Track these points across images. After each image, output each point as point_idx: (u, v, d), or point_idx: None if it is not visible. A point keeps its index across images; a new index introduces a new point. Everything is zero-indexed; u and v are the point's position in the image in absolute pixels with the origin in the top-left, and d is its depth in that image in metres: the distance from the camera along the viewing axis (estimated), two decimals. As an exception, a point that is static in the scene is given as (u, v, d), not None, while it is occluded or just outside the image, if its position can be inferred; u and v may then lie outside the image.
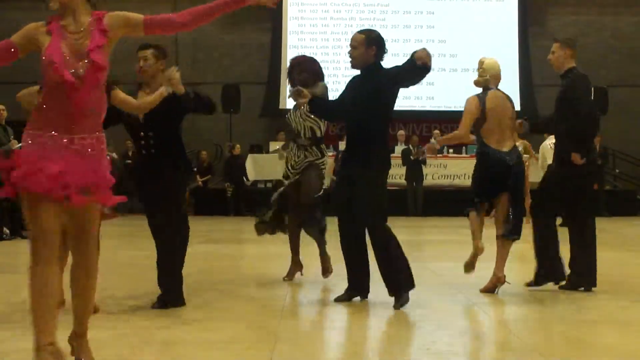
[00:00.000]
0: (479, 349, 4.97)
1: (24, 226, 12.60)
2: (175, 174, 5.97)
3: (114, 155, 17.54)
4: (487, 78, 6.76)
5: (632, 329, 5.47)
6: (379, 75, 5.99)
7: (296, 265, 7.39)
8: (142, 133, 5.86)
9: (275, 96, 20.68)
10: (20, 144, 12.38)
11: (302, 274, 7.37)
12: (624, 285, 7.21)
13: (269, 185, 19.16)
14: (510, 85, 19.61)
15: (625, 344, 4.95)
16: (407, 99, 18.37)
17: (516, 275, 7.46)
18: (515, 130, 7.04)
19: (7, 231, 12.23)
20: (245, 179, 18.37)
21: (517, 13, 21.30)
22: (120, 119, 5.83)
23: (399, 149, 18.10)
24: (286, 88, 21.18)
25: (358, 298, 6.18)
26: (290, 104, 20.74)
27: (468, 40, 20.53)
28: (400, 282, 5.92)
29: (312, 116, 6.86)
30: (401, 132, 18.93)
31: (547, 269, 7.18)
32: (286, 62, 21.38)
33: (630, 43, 21.25)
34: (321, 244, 7.16)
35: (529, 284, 7.05)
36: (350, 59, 6.13)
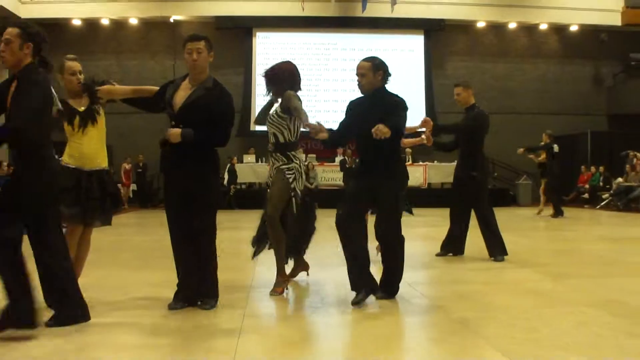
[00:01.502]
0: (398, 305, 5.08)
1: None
2: (203, 168, 4.54)
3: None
4: None
5: (506, 288, 5.66)
6: (386, 98, 4.93)
7: (299, 265, 5.74)
8: (172, 122, 4.55)
9: (247, 121, 20.55)
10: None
11: (307, 274, 5.83)
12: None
13: (244, 186, 19.24)
14: (418, 111, 19.93)
15: (505, 300, 5.12)
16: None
17: (428, 248, 7.62)
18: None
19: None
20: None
21: (423, 60, 21.60)
22: (161, 106, 4.71)
23: (337, 159, 18.22)
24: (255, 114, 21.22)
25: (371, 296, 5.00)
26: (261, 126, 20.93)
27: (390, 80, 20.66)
28: (398, 280, 5.02)
29: (276, 122, 5.31)
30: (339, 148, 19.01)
31: (452, 243, 7.39)
32: (255, 97, 21.63)
33: (503, 83, 21.72)
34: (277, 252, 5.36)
35: (437, 254, 7.28)
36: (359, 86, 4.95)
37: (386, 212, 4.91)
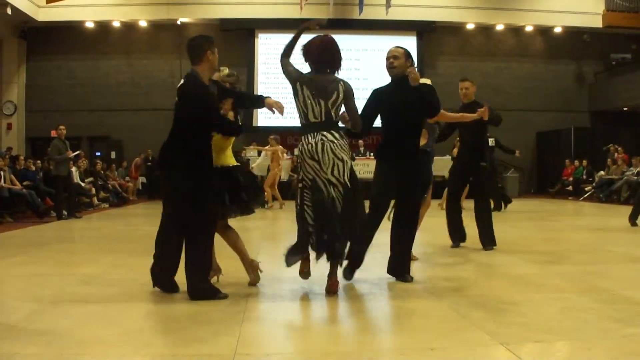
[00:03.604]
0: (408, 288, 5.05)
1: (75, 209, 12.46)
2: (169, 171, 4.47)
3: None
4: None
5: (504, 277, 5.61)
6: (409, 84, 4.98)
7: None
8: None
9: (250, 117, 20.56)
10: (75, 152, 11.98)
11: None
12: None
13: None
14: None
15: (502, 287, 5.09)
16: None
17: (421, 238, 7.56)
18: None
19: (65, 212, 12.03)
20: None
21: (416, 60, 21.36)
22: None
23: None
24: (258, 111, 21.20)
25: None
26: (261, 122, 20.83)
27: (384, 78, 20.57)
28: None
29: None
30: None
31: (456, 232, 7.28)
32: (257, 93, 21.47)
33: (492, 81, 21.62)
34: None
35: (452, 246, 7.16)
36: (392, 68, 5.09)
37: (409, 197, 5.06)
